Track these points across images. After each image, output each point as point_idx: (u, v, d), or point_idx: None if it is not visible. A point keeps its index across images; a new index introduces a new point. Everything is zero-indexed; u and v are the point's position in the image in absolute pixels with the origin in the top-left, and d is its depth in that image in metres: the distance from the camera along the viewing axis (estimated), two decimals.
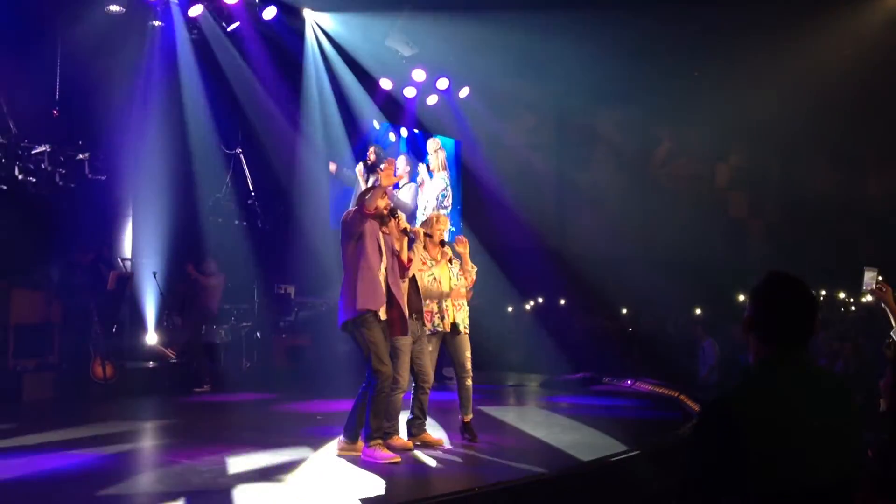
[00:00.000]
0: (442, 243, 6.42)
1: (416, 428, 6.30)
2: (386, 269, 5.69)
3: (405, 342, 6.01)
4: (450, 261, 6.46)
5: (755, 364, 2.27)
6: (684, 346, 12.25)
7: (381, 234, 5.69)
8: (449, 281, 6.41)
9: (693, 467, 2.16)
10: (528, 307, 16.61)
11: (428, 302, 6.30)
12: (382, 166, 5.79)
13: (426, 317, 6.29)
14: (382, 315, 5.64)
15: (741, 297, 15.45)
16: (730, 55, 14.22)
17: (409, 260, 5.84)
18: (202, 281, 10.57)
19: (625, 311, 16.20)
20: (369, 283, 5.53)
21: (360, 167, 12.88)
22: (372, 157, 12.56)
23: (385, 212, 5.72)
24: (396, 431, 6.09)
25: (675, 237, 15.91)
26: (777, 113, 14.40)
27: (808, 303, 2.28)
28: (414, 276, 6.17)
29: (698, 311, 13.86)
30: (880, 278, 4.62)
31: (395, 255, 5.78)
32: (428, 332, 6.28)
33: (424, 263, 6.31)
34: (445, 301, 6.36)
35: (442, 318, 6.31)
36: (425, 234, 6.35)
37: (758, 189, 17.44)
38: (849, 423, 2.20)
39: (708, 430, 2.16)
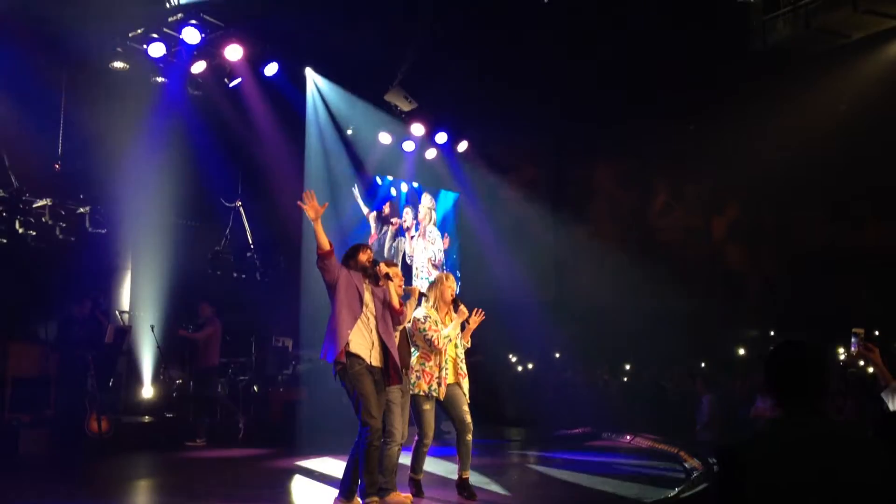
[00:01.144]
0: (454, 303, 6.37)
1: None
2: (376, 319, 5.70)
3: (397, 393, 5.95)
4: (466, 320, 6.37)
5: (769, 422, 2.39)
6: (683, 400, 12.16)
7: (363, 285, 5.73)
8: (455, 348, 6.37)
9: None
10: (526, 361, 16.53)
11: (429, 363, 6.24)
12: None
13: (424, 378, 6.19)
14: (374, 362, 5.63)
15: (741, 351, 15.43)
16: (726, 109, 14.41)
17: (402, 311, 5.83)
18: (196, 338, 10.57)
19: (624, 365, 16.12)
20: (332, 333, 5.61)
21: (373, 215, 13.12)
22: (387, 209, 12.84)
23: (368, 264, 5.80)
24: (394, 487, 5.94)
25: (674, 290, 15.91)
26: (773, 166, 14.52)
27: (813, 364, 2.40)
28: (404, 329, 6.16)
29: (701, 365, 13.80)
30: (858, 337, 4.58)
31: (385, 305, 5.78)
32: (422, 394, 6.19)
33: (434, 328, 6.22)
34: (446, 367, 6.27)
35: (439, 385, 6.20)
36: (421, 294, 6.36)
37: (755, 242, 17.48)
38: (872, 484, 2.22)
39: (719, 474, 2.33)
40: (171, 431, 10.16)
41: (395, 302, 5.79)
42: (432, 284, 6.55)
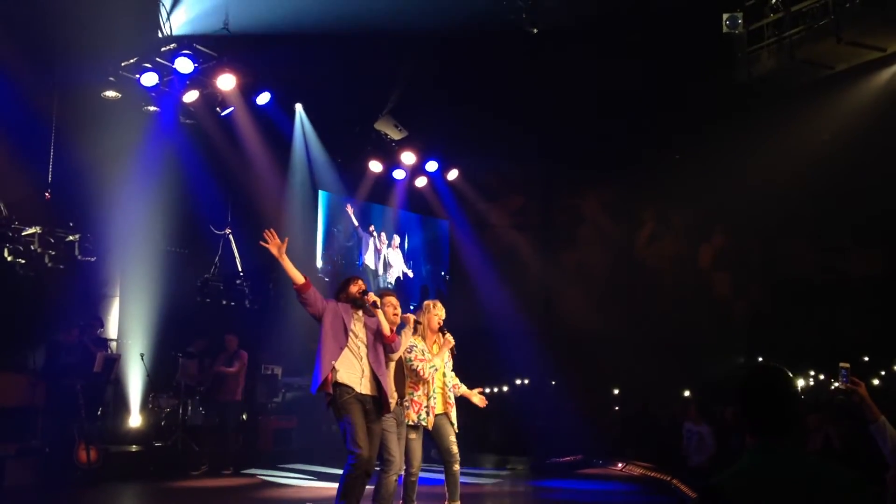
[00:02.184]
0: (441, 330, 6.37)
1: None
2: (367, 348, 5.70)
3: (392, 422, 5.94)
4: (453, 349, 6.38)
5: (745, 453, 2.35)
6: (673, 428, 12.16)
7: (352, 315, 5.74)
8: (443, 377, 6.36)
9: None
10: (514, 387, 16.51)
11: (417, 393, 6.21)
12: (379, 300, 5.82)
13: (413, 407, 6.17)
14: (365, 390, 5.61)
15: (729, 378, 15.45)
16: (711, 138, 14.59)
17: (393, 339, 5.79)
18: (232, 372, 10.63)
19: (614, 391, 16.13)
20: (317, 364, 5.60)
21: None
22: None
23: (357, 295, 5.80)
24: None
25: (661, 317, 15.99)
26: (758, 195, 14.67)
27: (786, 394, 2.36)
28: (400, 360, 6.14)
29: (687, 393, 13.82)
30: (847, 371, 4.60)
31: (376, 335, 5.77)
32: (410, 423, 6.15)
33: (423, 358, 6.22)
34: (434, 397, 6.25)
35: (427, 414, 6.18)
36: (416, 322, 6.34)
37: (741, 270, 17.61)
38: None
39: None
40: (160, 460, 10.05)
41: (386, 329, 5.76)
42: (419, 312, 6.54)
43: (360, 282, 5.92)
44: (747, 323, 16.48)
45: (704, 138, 14.56)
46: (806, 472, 2.27)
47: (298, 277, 5.69)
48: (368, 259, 14.84)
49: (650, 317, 16.13)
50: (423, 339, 6.38)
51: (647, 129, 15.06)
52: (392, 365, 6.05)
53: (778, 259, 16.63)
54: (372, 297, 5.76)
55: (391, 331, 5.79)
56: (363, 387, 5.62)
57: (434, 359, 6.29)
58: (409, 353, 6.20)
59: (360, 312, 5.81)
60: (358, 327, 5.74)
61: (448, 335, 6.37)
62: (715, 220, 17.56)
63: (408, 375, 6.21)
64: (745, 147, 14.31)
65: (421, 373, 6.15)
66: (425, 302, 6.60)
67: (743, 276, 17.40)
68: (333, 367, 5.59)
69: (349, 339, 5.67)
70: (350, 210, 14.64)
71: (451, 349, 6.39)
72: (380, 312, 5.76)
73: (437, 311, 6.43)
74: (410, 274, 15.61)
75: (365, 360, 5.68)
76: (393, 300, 6.15)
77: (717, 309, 16.94)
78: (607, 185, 17.56)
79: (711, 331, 16.03)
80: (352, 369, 5.63)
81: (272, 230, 5.69)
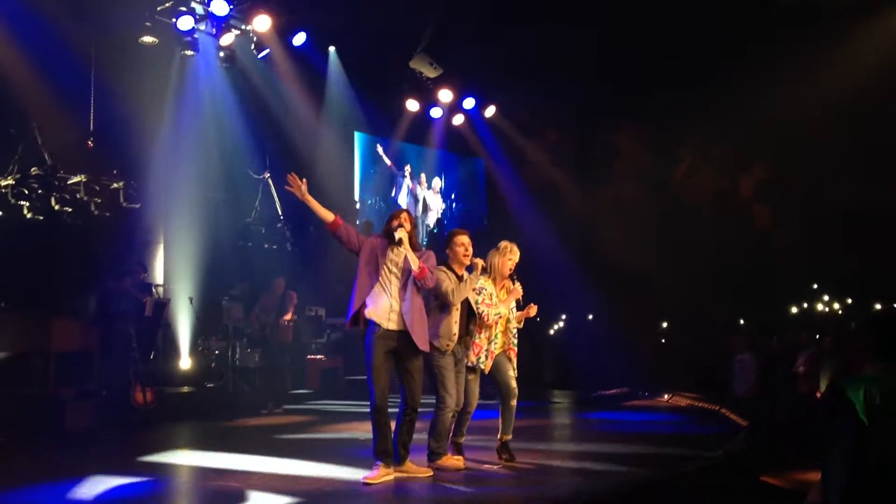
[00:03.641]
0: (511, 277, 6.23)
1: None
2: (400, 283, 5.62)
3: (450, 360, 5.91)
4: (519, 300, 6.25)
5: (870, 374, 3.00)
6: (717, 360, 12.15)
7: (389, 250, 5.65)
8: (507, 323, 6.25)
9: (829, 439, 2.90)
10: (558, 323, 16.58)
11: (479, 336, 6.13)
12: (400, 233, 5.67)
13: (473, 349, 6.12)
14: (392, 326, 5.56)
15: (778, 309, 15.39)
16: (752, 65, 14.25)
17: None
18: (289, 320, 10.87)
19: (658, 324, 16.12)
20: (352, 297, 5.60)
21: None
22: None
23: (392, 229, 5.68)
24: (445, 451, 6.02)
25: (702, 250, 15.86)
26: (801, 123, 14.37)
27: None
28: (467, 301, 6.01)
29: (739, 323, 13.77)
30: None
31: (408, 271, 5.63)
32: (469, 364, 6.11)
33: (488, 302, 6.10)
34: (496, 341, 6.20)
35: (486, 358, 6.13)
36: (483, 268, 6.09)
37: (783, 201, 17.37)
38: None
39: (830, 407, 2.94)
40: (212, 401, 10.28)
41: (413, 266, 5.59)
42: (494, 252, 6.33)
43: (402, 215, 5.78)
44: (789, 255, 16.31)
45: (746, 66, 14.23)
46: None
47: (327, 215, 5.70)
48: (401, 200, 14.84)
49: (691, 251, 16.01)
50: (493, 282, 6.24)
51: (685, 59, 14.73)
52: (457, 307, 5.94)
53: (820, 190, 16.37)
54: (400, 233, 5.62)
55: (420, 267, 5.57)
56: (391, 322, 5.57)
57: (500, 305, 6.18)
58: (478, 294, 6.09)
59: (399, 248, 5.70)
60: (393, 263, 5.66)
61: (518, 284, 6.23)
62: (755, 151, 17.28)
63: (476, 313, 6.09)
64: (789, 73, 13.95)
65: (485, 318, 6.08)
66: (501, 243, 6.35)
67: (784, 208, 17.18)
68: (364, 303, 5.60)
69: (382, 274, 5.63)
70: (381, 150, 14.59)
71: (518, 300, 6.28)
72: (408, 249, 5.62)
73: (511, 256, 6.24)
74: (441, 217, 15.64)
75: (395, 296, 5.60)
76: (464, 239, 6.04)
77: (759, 242, 16.78)
78: (644, 119, 17.29)
79: (753, 264, 15.89)
80: (381, 305, 5.59)
81: (293, 174, 5.67)
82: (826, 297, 15.77)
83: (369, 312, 5.59)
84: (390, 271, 5.65)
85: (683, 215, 17.33)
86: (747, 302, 14.75)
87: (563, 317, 16.56)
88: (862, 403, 2.76)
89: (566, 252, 15.56)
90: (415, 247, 5.75)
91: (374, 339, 5.55)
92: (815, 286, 12.19)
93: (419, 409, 5.71)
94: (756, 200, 17.70)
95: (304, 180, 5.70)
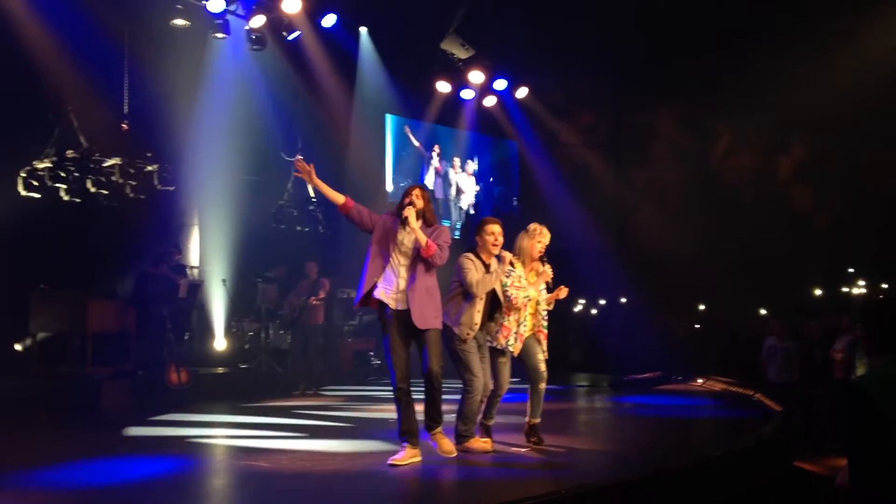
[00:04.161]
0: (541, 259, 6.15)
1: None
2: (409, 262, 5.51)
3: (471, 343, 5.82)
4: (549, 283, 6.18)
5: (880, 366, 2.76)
6: (753, 344, 11.99)
7: (398, 231, 5.52)
8: (536, 305, 6.18)
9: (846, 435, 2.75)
10: (590, 306, 16.48)
11: (508, 319, 6.07)
12: (408, 212, 5.52)
13: (502, 332, 6.05)
14: (400, 306, 5.47)
15: (817, 292, 15.15)
16: (789, 44, 13.95)
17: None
18: (318, 304, 10.91)
19: (693, 308, 15.94)
20: (363, 278, 5.54)
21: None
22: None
23: (404, 204, 5.58)
24: (472, 434, 5.98)
25: (738, 232, 15.64)
26: (839, 102, 14.05)
27: None
28: (493, 292, 5.93)
29: (775, 306, 13.55)
30: None
31: (418, 249, 5.52)
32: (498, 347, 6.07)
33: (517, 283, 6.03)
34: (525, 324, 6.13)
35: (515, 341, 6.07)
36: (510, 263, 6.00)
37: (822, 182, 17.05)
38: None
39: (848, 405, 2.72)
40: (245, 382, 10.39)
41: (422, 241, 5.45)
42: (523, 234, 6.25)
43: (413, 192, 5.64)
44: (829, 236, 16.02)
45: (783, 43, 13.92)
46: None
47: (337, 198, 5.65)
48: (427, 181, 14.80)
49: (727, 232, 15.79)
50: (523, 264, 6.17)
51: (720, 36, 14.46)
52: (482, 297, 5.86)
53: (861, 169, 16.03)
54: (406, 211, 5.49)
55: (427, 244, 5.43)
56: (399, 303, 5.50)
57: (529, 288, 6.12)
58: (507, 277, 6.02)
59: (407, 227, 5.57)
60: (402, 242, 5.54)
61: (547, 267, 6.16)
62: (794, 130, 16.96)
63: (502, 301, 6.03)
64: (826, 51, 13.61)
65: (514, 301, 6.01)
66: (531, 225, 6.26)
67: (825, 189, 16.87)
68: (375, 283, 5.53)
69: (392, 254, 5.55)
70: (408, 131, 14.55)
71: (548, 282, 6.22)
72: (415, 228, 5.48)
73: (540, 238, 6.14)
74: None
75: (404, 276, 5.51)
76: (494, 228, 5.93)
77: (798, 223, 16.50)
78: (679, 98, 17.02)
79: (792, 245, 15.64)
80: (391, 285, 5.53)
81: (299, 158, 5.67)
82: (862, 282, 15.45)
83: (379, 293, 5.53)
84: (399, 251, 5.55)
85: (721, 197, 17.09)
86: (784, 285, 14.52)
87: (597, 300, 16.45)
88: (882, 397, 2.57)
89: (600, 234, 15.45)
90: (430, 222, 5.65)
91: (386, 323, 5.54)
92: (851, 270, 11.91)
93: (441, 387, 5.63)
94: (795, 181, 17.39)
95: (312, 164, 5.65)
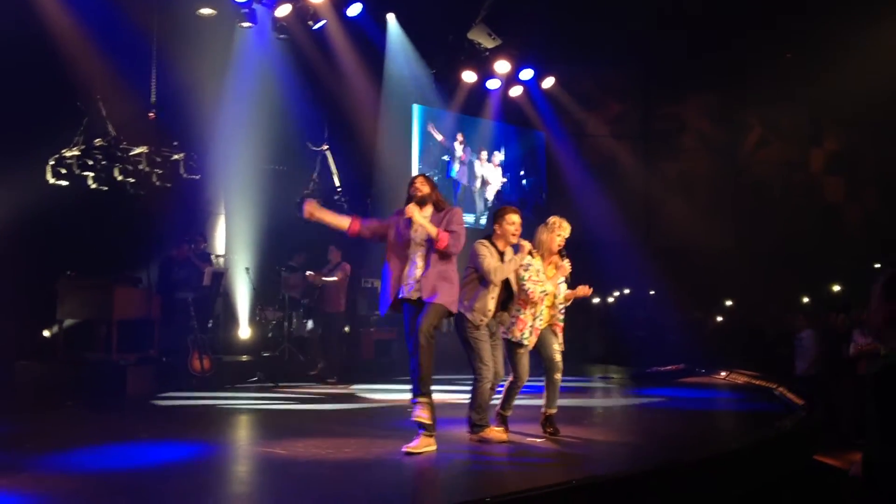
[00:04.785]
0: (560, 253, 6.12)
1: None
2: (421, 255, 5.53)
3: (482, 332, 5.81)
4: (568, 278, 6.15)
5: None
6: (781, 338, 11.85)
7: (410, 225, 5.53)
8: (553, 298, 6.13)
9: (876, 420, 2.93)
10: (616, 298, 16.37)
11: (525, 312, 6.04)
12: (410, 209, 5.53)
13: (518, 325, 6.02)
14: (416, 295, 5.48)
15: (845, 286, 14.90)
16: (825, 33, 13.72)
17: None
18: (333, 281, 10.82)
19: (719, 302, 15.77)
20: (384, 286, 5.58)
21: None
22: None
23: (406, 210, 5.56)
24: (487, 423, 5.94)
25: (769, 225, 15.44)
26: (872, 93, 13.81)
27: None
28: (508, 281, 5.91)
29: (804, 300, 13.37)
30: None
31: (428, 240, 5.51)
32: (514, 340, 6.04)
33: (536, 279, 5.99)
34: (541, 317, 6.09)
35: (530, 334, 6.03)
36: (530, 252, 6.00)
37: (855, 173, 16.77)
38: None
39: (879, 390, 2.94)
40: (268, 369, 10.47)
41: (432, 233, 5.45)
42: (543, 227, 6.22)
43: (415, 182, 5.67)
44: (862, 229, 15.77)
45: (817, 33, 13.70)
46: None
47: (342, 225, 5.69)
48: (454, 172, 14.78)
49: (758, 225, 15.60)
50: (542, 258, 6.13)
51: (752, 27, 14.26)
52: (497, 287, 5.86)
53: (894, 161, 15.74)
54: (408, 209, 5.49)
55: (439, 237, 5.43)
56: (417, 292, 5.50)
57: (547, 283, 6.07)
58: (525, 270, 5.99)
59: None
60: (419, 230, 5.54)
61: (566, 261, 6.13)
62: (826, 122, 16.72)
63: (518, 294, 6.00)
64: (863, 40, 13.37)
65: (531, 295, 5.97)
66: (550, 218, 6.22)
67: (857, 181, 16.60)
68: (398, 290, 5.53)
69: (409, 248, 5.54)
70: (432, 128, 14.51)
71: (566, 276, 6.18)
72: (419, 218, 5.48)
73: (560, 231, 6.10)
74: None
75: (419, 265, 5.52)
76: (515, 218, 5.92)
77: (830, 215, 16.26)
78: (710, 90, 16.83)
79: (823, 238, 15.42)
80: (410, 279, 5.52)
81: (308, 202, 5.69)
82: None
83: (403, 294, 5.53)
84: (415, 242, 5.55)
85: (751, 190, 16.88)
86: (814, 278, 14.32)
87: (623, 293, 16.33)
88: None
89: (627, 227, 15.33)
90: (441, 206, 5.65)
91: (408, 314, 5.54)
92: (878, 266, 11.72)
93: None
94: (827, 173, 17.13)
95: (313, 200, 5.76)
